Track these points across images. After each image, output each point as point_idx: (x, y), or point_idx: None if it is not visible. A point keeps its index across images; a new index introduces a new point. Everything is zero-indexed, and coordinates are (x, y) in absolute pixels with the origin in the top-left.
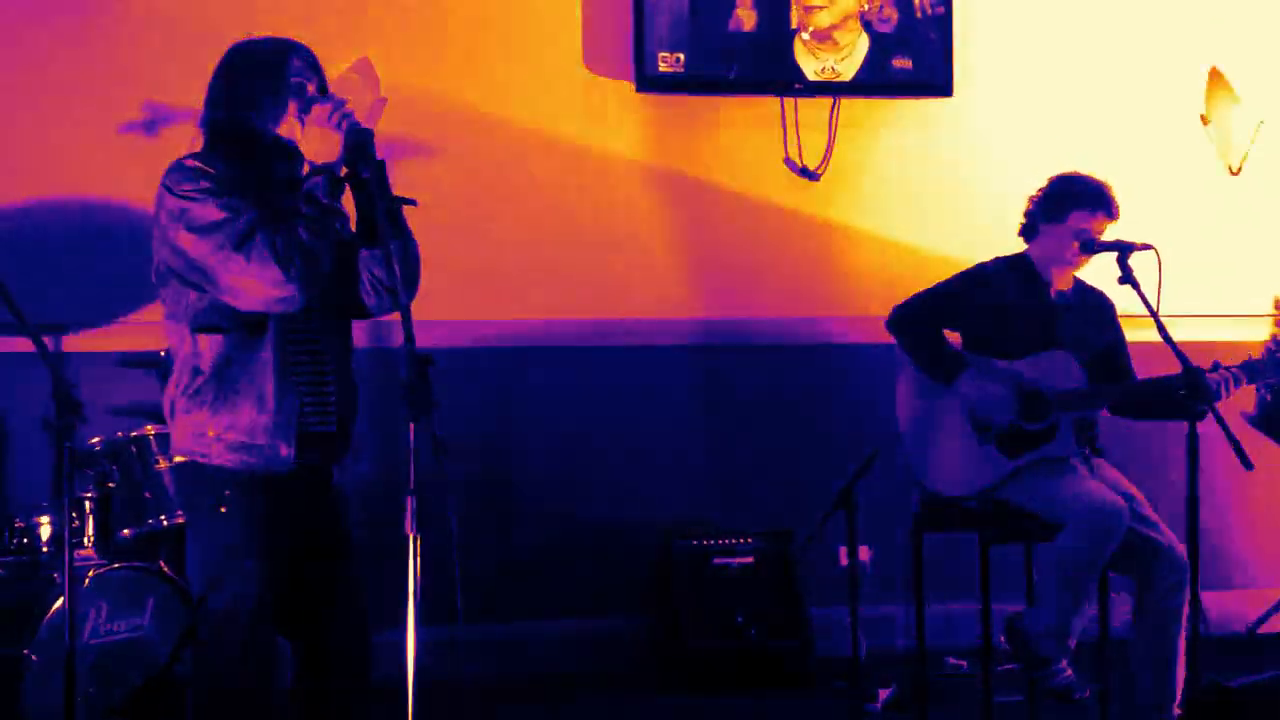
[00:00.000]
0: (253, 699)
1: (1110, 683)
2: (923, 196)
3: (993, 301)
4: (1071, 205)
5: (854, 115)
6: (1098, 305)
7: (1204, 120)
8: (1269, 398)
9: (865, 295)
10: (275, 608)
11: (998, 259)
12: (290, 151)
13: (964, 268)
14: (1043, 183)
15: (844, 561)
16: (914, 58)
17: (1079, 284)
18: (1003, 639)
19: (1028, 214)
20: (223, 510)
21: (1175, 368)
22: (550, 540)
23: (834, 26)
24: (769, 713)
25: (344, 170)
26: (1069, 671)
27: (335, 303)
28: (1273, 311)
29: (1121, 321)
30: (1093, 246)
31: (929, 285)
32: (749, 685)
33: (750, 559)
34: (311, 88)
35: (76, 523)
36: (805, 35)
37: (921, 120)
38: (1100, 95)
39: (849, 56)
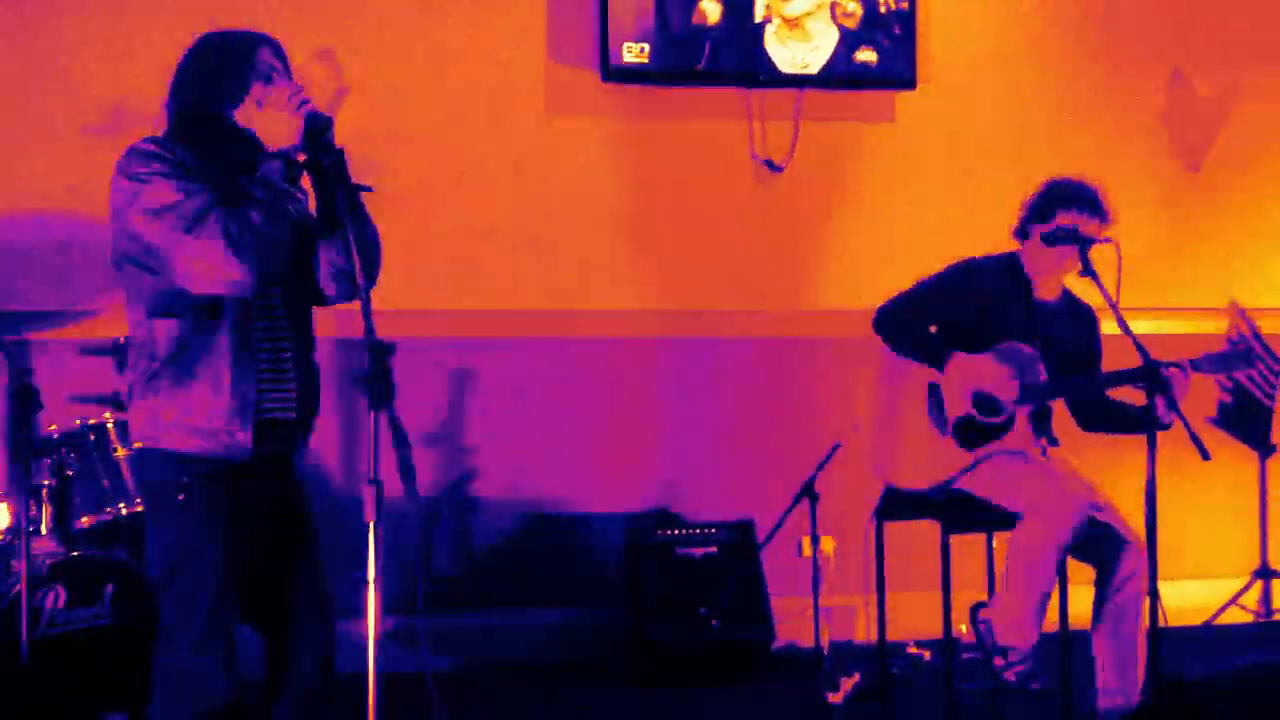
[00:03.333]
0: (213, 687)
1: (1071, 672)
2: (887, 189)
3: (976, 299)
4: (1059, 207)
5: (818, 107)
6: (1082, 317)
7: (1164, 118)
8: (1229, 399)
9: (829, 289)
10: (236, 595)
11: (988, 256)
12: (249, 137)
13: (927, 260)
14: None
15: (807, 553)
16: (878, 51)
17: (1068, 294)
18: (964, 628)
19: (1020, 215)
20: (180, 497)
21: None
22: (514, 531)
23: (805, 15)
24: (732, 703)
25: (302, 156)
26: (1030, 662)
27: (295, 289)
28: (1229, 307)
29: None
30: (1054, 238)
31: (892, 278)
32: (713, 675)
33: (714, 549)
34: (274, 74)
35: (34, 511)
36: (774, 24)
37: (885, 113)
38: (1065, 91)
39: (818, 49)
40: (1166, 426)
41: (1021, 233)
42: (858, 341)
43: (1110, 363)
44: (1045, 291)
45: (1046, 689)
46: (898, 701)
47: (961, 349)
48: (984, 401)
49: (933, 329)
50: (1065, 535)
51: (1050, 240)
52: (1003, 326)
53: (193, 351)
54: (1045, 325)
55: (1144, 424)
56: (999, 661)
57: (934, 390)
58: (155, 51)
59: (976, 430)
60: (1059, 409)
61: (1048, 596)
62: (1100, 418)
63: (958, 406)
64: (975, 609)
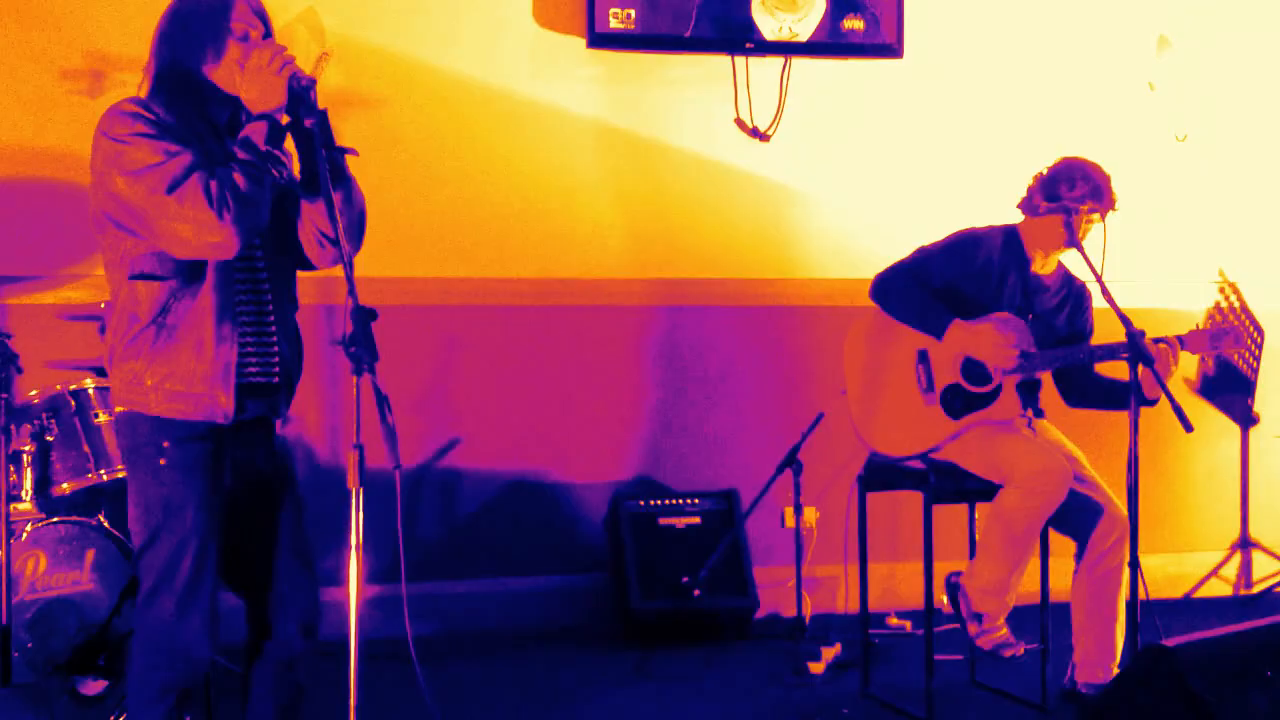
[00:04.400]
0: (194, 653)
1: (1050, 642)
2: (873, 158)
3: (975, 268)
4: (1065, 187)
5: (805, 75)
6: (1076, 295)
7: (1151, 87)
8: (1212, 370)
9: (815, 257)
10: (217, 559)
11: (990, 227)
12: (231, 98)
13: (913, 229)
14: (1051, 161)
15: (790, 523)
16: (866, 19)
17: (1065, 272)
18: (943, 597)
19: (1030, 189)
20: (162, 461)
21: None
22: (498, 498)
23: None
24: (714, 671)
25: (285, 118)
26: (1004, 630)
27: (279, 253)
28: (1216, 279)
29: None
30: (1036, 210)
31: (877, 247)
32: (695, 644)
33: (697, 519)
34: (255, 34)
35: (14, 476)
36: None
37: (872, 81)
38: (1049, 60)
39: (806, 17)
40: (1153, 402)
41: (1029, 207)
42: (843, 310)
43: (1104, 339)
44: (1042, 267)
45: (1020, 658)
46: (878, 671)
47: (956, 315)
48: (972, 370)
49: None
50: (1046, 506)
51: (1032, 211)
52: (998, 297)
53: (174, 314)
54: (1040, 298)
55: (1129, 398)
56: (973, 628)
57: (923, 357)
58: (138, 6)
59: (964, 399)
60: (1046, 382)
61: (1023, 566)
62: (1085, 392)
63: (946, 374)
64: (950, 577)
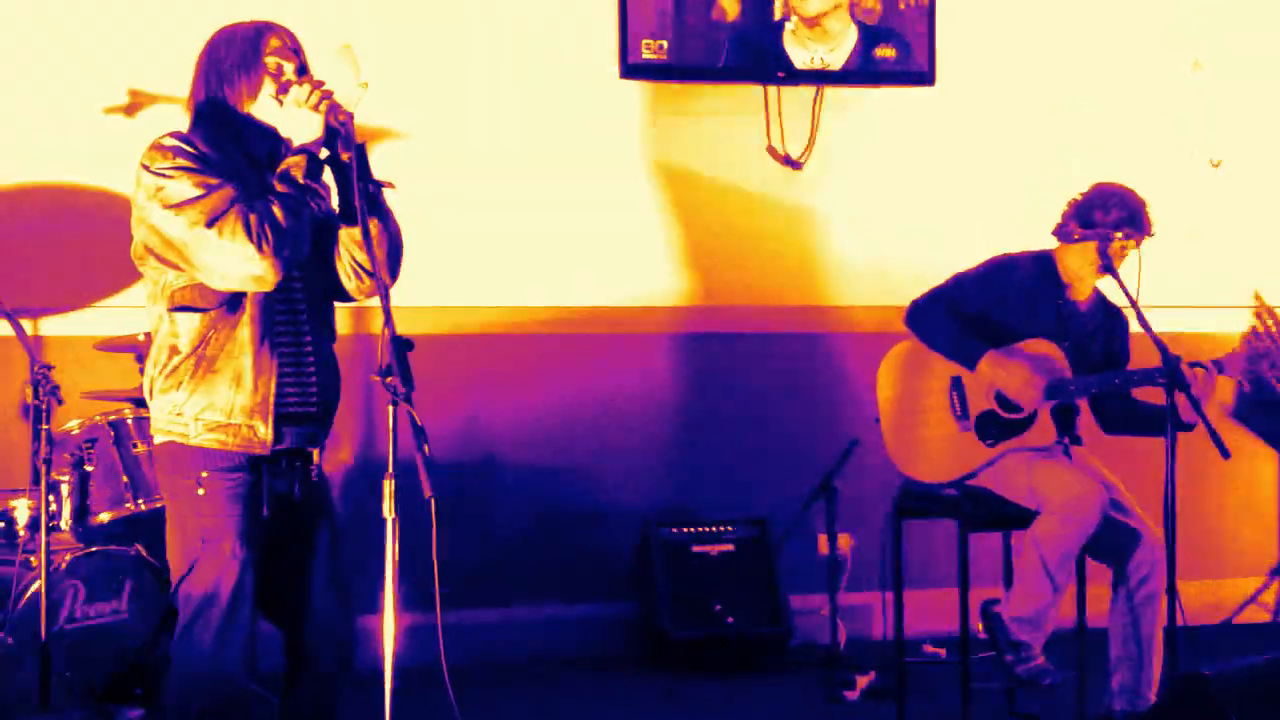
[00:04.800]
0: (231, 683)
1: (1087, 670)
2: (905, 186)
3: (1010, 294)
4: (1101, 215)
5: (837, 104)
6: (1112, 320)
7: (1185, 112)
8: (1247, 388)
9: (848, 285)
10: (254, 589)
11: (1025, 253)
12: (269, 131)
13: (947, 257)
14: (1084, 187)
15: (824, 550)
16: (898, 47)
17: (1100, 297)
18: (979, 626)
19: (1064, 215)
20: (201, 492)
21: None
22: (531, 526)
23: (823, 14)
24: (748, 700)
25: (323, 152)
26: (1041, 659)
27: (317, 284)
28: (1251, 303)
29: None
30: (1070, 236)
31: (910, 275)
32: (728, 672)
33: (730, 547)
34: (290, 68)
35: (53, 506)
36: (793, 23)
37: (904, 109)
38: (1082, 86)
39: (838, 47)
40: (1190, 427)
41: (1064, 233)
42: (876, 338)
43: (1140, 364)
44: (1077, 293)
45: (1058, 686)
46: (913, 700)
47: (990, 343)
48: (1006, 397)
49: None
50: (1083, 532)
51: (1065, 238)
52: (1033, 323)
53: (214, 346)
54: (1075, 325)
55: (1166, 424)
56: (1010, 658)
57: (957, 384)
58: (175, 33)
59: (999, 425)
60: (1084, 410)
61: (1061, 593)
62: (1122, 419)
63: (981, 402)
64: (987, 605)
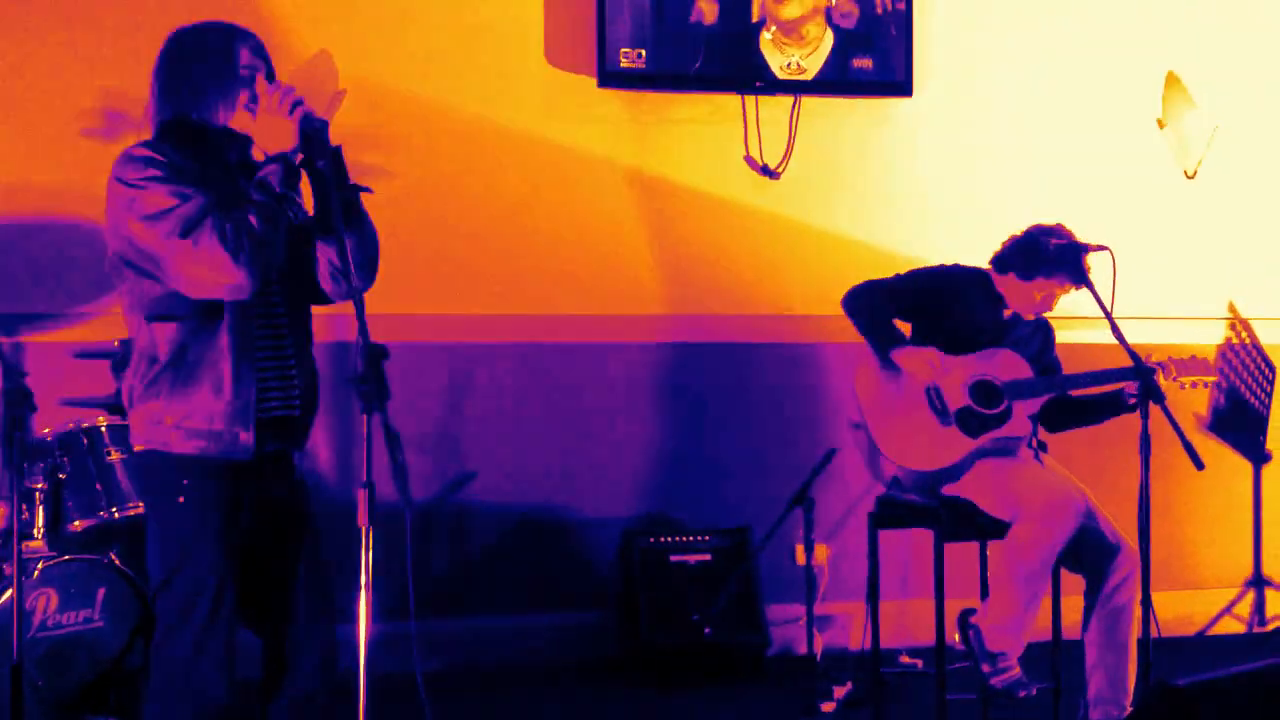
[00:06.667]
0: (211, 689)
1: (1062, 681)
2: (883, 196)
3: (951, 303)
4: (1040, 270)
5: (815, 113)
6: (1044, 330)
7: (1160, 124)
8: (1222, 401)
9: (825, 293)
10: (235, 597)
11: (964, 268)
12: (240, 139)
13: (924, 265)
14: (1022, 224)
15: (801, 560)
16: (875, 57)
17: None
18: (955, 636)
19: (1003, 252)
20: (181, 500)
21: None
22: (509, 535)
23: (802, 19)
24: (724, 709)
25: (299, 158)
26: (1017, 669)
27: (295, 289)
28: (1226, 315)
29: (1076, 322)
30: (1005, 273)
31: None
32: (706, 682)
33: (708, 556)
34: (260, 75)
35: (26, 514)
36: (770, 30)
37: (882, 119)
38: (1058, 97)
39: (814, 52)
40: (1133, 409)
41: (1000, 267)
42: (854, 348)
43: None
44: (1018, 311)
45: (1033, 698)
46: (890, 710)
47: (928, 340)
48: (981, 392)
49: (896, 322)
50: (1058, 540)
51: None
52: (968, 329)
53: (193, 354)
54: (1009, 333)
55: (1109, 411)
56: (986, 668)
57: (932, 392)
58: (149, 43)
59: (978, 419)
60: None
61: (1037, 603)
62: (1067, 415)
63: (957, 399)
64: (964, 615)
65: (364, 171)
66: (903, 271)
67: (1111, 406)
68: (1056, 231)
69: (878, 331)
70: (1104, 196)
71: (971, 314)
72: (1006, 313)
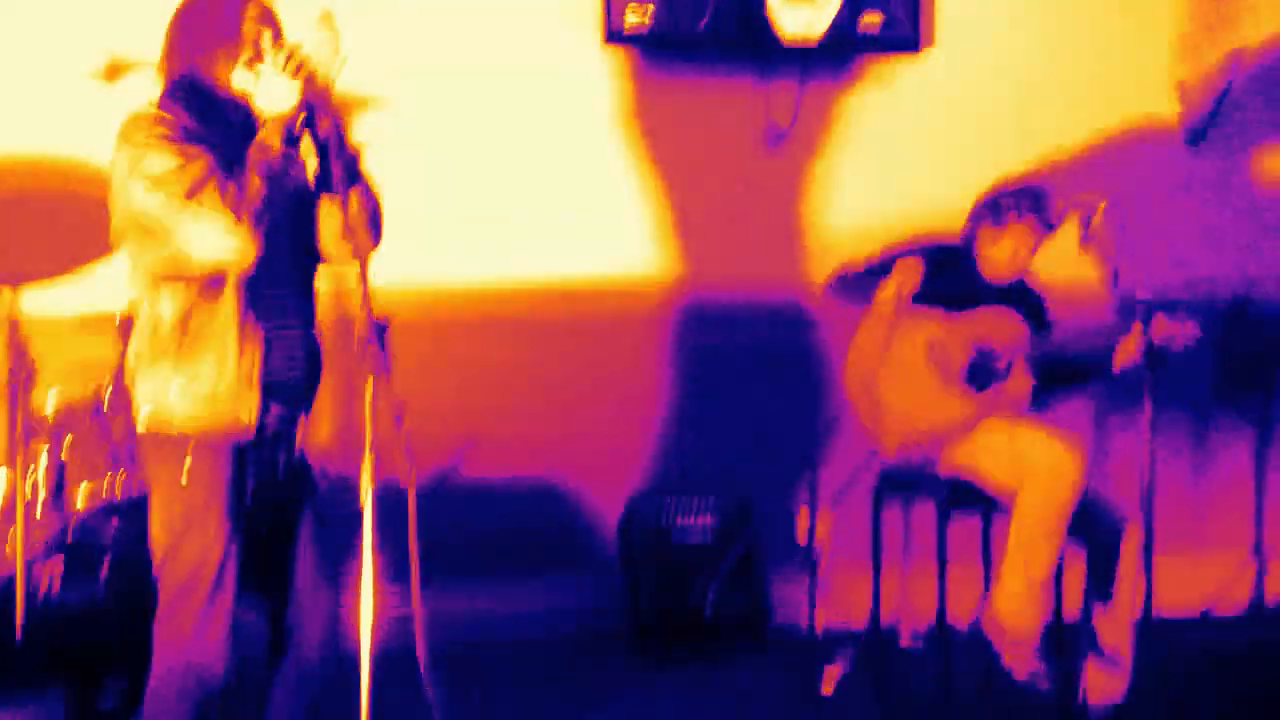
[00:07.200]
0: (213, 663)
1: (1061, 660)
2: (895, 157)
3: (934, 274)
4: (1007, 213)
5: (824, 72)
6: (1032, 295)
7: (1176, 87)
8: (1227, 373)
9: (834, 258)
10: (237, 569)
11: (943, 238)
12: (246, 101)
13: (933, 229)
14: (976, 176)
15: (803, 531)
16: (884, 12)
17: (1021, 280)
18: (981, 628)
19: (975, 208)
20: (184, 473)
21: None
22: (510, 509)
23: None
24: (727, 682)
25: (301, 119)
26: (1039, 662)
27: (298, 251)
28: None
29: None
30: (978, 226)
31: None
32: (708, 654)
33: (711, 526)
34: (268, 35)
35: (30, 486)
36: None
37: (889, 78)
38: (1071, 57)
39: (823, 11)
40: (1113, 378)
41: (975, 223)
42: (862, 315)
43: None
44: (996, 274)
45: (1055, 687)
46: (891, 684)
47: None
48: (983, 350)
49: None
50: (1069, 496)
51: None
52: (956, 297)
53: (197, 322)
54: (994, 299)
55: (1095, 373)
56: (1007, 660)
57: (932, 347)
58: (154, 7)
59: (982, 376)
60: None
61: (1048, 570)
62: (1055, 380)
63: (960, 357)
64: (976, 622)
65: (360, 131)
66: (909, 239)
67: (1098, 369)
68: (1021, 178)
69: (860, 291)
70: (1114, 159)
71: (956, 283)
72: (990, 275)
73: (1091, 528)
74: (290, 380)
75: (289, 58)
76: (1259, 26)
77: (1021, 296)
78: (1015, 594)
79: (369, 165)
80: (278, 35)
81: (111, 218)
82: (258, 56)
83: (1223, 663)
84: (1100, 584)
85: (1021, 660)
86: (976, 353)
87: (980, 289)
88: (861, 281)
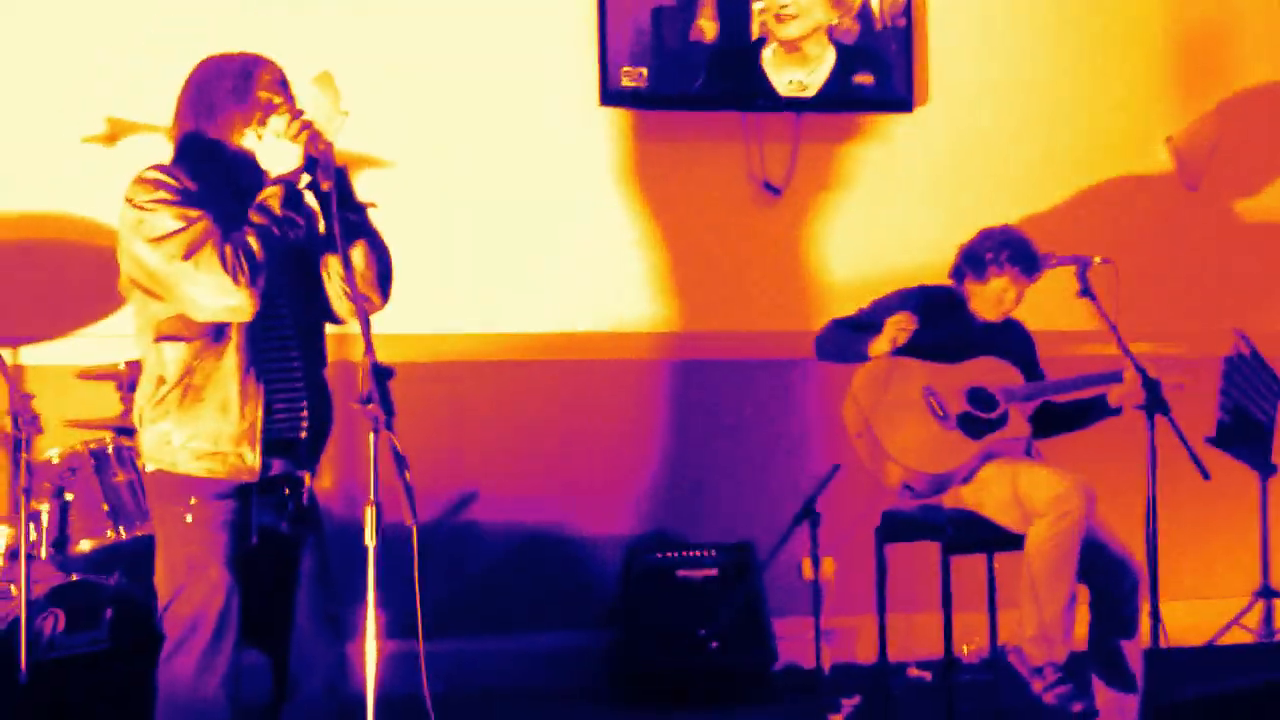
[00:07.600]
0: (215, 709)
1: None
2: (886, 212)
3: (922, 323)
4: (989, 266)
5: (817, 129)
6: (1024, 338)
7: (1168, 140)
8: (1228, 419)
9: (829, 310)
10: (240, 617)
11: (930, 286)
12: (252, 162)
13: (927, 282)
14: (971, 233)
15: (808, 574)
16: (875, 73)
17: (1010, 321)
18: (965, 649)
19: (957, 260)
20: (188, 519)
21: None
22: (512, 555)
23: (803, 37)
24: None
25: (304, 179)
26: (1066, 684)
27: (305, 309)
28: (1234, 328)
29: (1076, 334)
30: (962, 280)
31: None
32: (712, 699)
33: (714, 572)
34: (278, 102)
35: (34, 535)
36: (771, 48)
37: (883, 135)
38: (1062, 111)
39: (816, 70)
40: (1117, 412)
41: (958, 276)
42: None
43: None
44: (984, 317)
45: (1089, 710)
46: None
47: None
48: (978, 398)
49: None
50: (1077, 526)
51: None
52: (946, 344)
53: (200, 375)
54: (990, 344)
55: (1094, 415)
56: (1037, 685)
57: (930, 391)
58: (154, 62)
59: (978, 423)
60: None
61: (1073, 605)
62: (1052, 423)
63: (955, 405)
64: (1005, 646)
65: (367, 190)
66: (892, 291)
67: (1096, 411)
68: (1002, 230)
69: (851, 351)
70: (1107, 211)
71: (945, 330)
72: (979, 319)
73: (1096, 569)
74: (295, 440)
75: (292, 119)
76: (1246, 77)
77: (1015, 337)
78: (1038, 624)
79: (377, 223)
80: (286, 97)
81: (119, 273)
82: (262, 120)
83: (1231, 698)
84: (1106, 620)
85: (1050, 685)
86: (970, 399)
87: (974, 330)
88: (851, 336)
